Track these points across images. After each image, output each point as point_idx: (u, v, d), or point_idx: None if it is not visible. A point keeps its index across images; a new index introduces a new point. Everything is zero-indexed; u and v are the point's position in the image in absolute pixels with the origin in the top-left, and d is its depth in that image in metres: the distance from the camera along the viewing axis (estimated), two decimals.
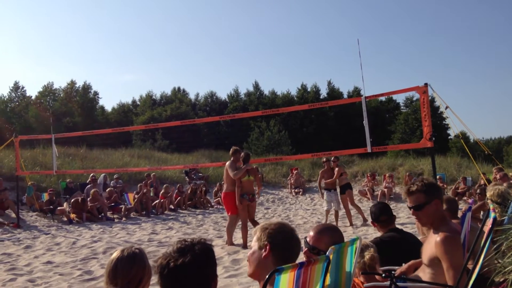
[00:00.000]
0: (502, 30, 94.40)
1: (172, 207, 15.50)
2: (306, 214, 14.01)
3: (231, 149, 8.75)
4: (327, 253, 2.41)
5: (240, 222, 8.75)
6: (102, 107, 52.05)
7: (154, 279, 2.02)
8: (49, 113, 40.08)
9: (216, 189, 17.57)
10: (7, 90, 57.81)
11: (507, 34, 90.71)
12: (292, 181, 20.21)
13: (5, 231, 11.10)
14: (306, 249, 2.69)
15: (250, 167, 8.63)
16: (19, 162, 11.77)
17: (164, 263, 1.83)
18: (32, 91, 56.58)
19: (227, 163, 8.63)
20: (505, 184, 6.27)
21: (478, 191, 10.82)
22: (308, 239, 2.70)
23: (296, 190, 19.67)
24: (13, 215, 12.48)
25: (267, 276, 2.00)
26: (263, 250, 2.25)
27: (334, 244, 2.64)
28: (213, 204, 16.70)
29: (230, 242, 8.59)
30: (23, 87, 46.46)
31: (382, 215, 4.18)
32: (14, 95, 45.40)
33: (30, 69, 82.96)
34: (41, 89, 48.51)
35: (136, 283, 2.35)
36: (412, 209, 3.06)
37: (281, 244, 2.25)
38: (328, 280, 2.34)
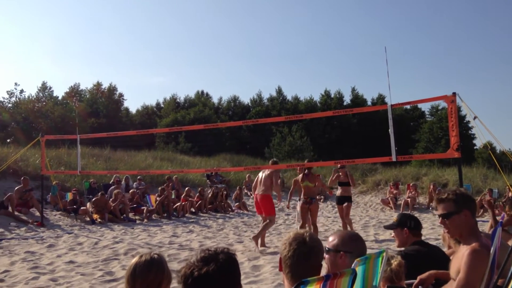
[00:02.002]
0: None
1: (193, 210, 15.56)
2: (327, 221, 13.89)
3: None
4: (353, 265, 2.37)
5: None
6: (127, 109, 52.75)
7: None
8: (75, 113, 40.76)
9: (236, 193, 17.56)
10: (35, 89, 59.02)
11: None
12: None
13: (29, 229, 11.30)
14: (327, 255, 2.66)
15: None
16: (44, 161, 11.97)
17: (188, 272, 1.81)
18: (59, 91, 57.45)
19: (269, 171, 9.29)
20: None
21: (504, 203, 10.56)
22: (328, 246, 2.67)
23: (317, 197, 19.50)
24: (37, 213, 12.71)
25: None
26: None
27: (359, 252, 2.59)
28: (233, 208, 16.70)
29: (262, 243, 8.95)
30: (50, 87, 47.30)
31: (419, 225, 4.06)
32: (41, 94, 46.25)
33: (59, 69, 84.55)
34: (68, 90, 49.47)
35: None
36: (440, 217, 2.98)
37: None
38: None
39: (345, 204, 10.69)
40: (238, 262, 1.91)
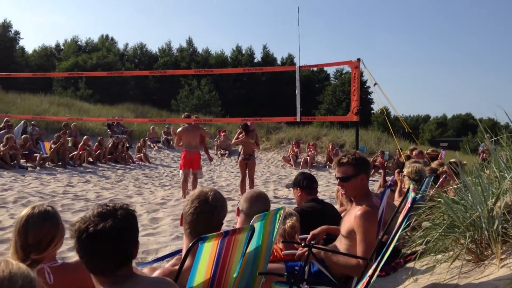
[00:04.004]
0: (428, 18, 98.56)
1: (91, 160, 14.92)
2: (230, 176, 14.09)
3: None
4: (251, 222, 2.40)
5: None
6: (23, 48, 48.44)
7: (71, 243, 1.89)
8: None
9: (139, 144, 17.09)
10: None
11: (431, 21, 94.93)
12: (218, 143, 20.19)
13: None
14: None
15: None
16: None
17: (82, 227, 1.70)
18: None
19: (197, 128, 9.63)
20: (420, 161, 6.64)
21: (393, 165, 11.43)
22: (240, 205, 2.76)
23: (222, 152, 19.69)
24: None
25: (190, 245, 1.94)
26: None
27: (262, 211, 2.64)
28: (135, 160, 16.28)
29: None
30: None
31: (314, 183, 4.25)
32: None
33: None
34: None
35: (48, 242, 2.27)
36: (339, 180, 3.12)
37: None
38: (249, 248, 2.34)
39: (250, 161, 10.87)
40: (137, 219, 1.83)
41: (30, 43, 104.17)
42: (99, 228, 1.68)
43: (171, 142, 19.78)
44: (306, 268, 3.01)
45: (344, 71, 47.26)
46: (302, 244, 3.06)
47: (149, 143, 19.16)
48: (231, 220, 5.93)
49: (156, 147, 19.44)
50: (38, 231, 2.24)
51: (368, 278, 2.27)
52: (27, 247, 2.22)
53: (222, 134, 20.49)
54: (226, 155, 19.40)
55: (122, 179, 12.23)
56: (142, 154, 16.51)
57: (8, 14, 74.55)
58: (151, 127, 20.41)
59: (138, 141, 17.94)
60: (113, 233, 1.69)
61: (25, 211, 2.32)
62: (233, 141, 10.12)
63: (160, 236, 5.92)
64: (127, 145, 16.75)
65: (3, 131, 14.23)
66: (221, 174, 14.55)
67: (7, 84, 23.37)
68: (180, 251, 4.14)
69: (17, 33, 46.82)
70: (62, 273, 2.27)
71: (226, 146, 19.96)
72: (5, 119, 14.97)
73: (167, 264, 2.78)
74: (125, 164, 15.54)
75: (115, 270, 1.73)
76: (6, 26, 45.53)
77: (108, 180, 11.78)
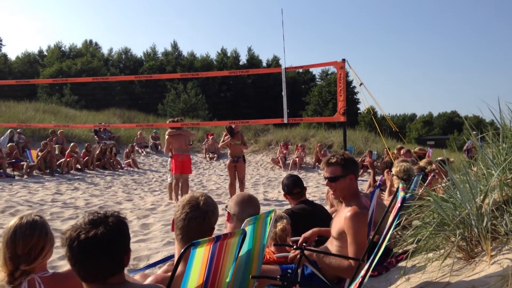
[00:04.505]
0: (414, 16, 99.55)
1: (79, 167, 14.78)
2: (219, 179, 14.06)
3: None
4: (243, 225, 2.40)
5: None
6: (5, 55, 47.91)
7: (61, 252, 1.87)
8: None
9: (127, 150, 16.98)
10: None
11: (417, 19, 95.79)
12: (207, 146, 20.15)
13: None
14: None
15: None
16: None
17: (74, 235, 1.70)
18: None
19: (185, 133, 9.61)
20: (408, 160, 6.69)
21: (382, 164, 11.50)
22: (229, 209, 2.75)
23: (210, 156, 19.65)
24: None
25: (182, 250, 1.94)
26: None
27: (253, 215, 2.64)
28: (123, 165, 16.16)
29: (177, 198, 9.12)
30: None
31: (295, 188, 4.25)
32: None
33: None
34: None
35: (37, 252, 2.25)
36: (327, 180, 3.13)
37: None
38: (241, 252, 2.34)
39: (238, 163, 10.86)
40: (128, 226, 1.83)
41: (12, 49, 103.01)
42: (91, 236, 1.68)
43: (159, 147, 19.69)
44: (299, 271, 3.01)
45: (329, 72, 47.57)
46: (294, 247, 3.07)
47: (137, 148, 19.06)
48: (222, 224, 5.91)
49: (144, 152, 19.33)
50: (27, 241, 2.21)
51: (360, 278, 2.27)
52: (16, 258, 2.20)
53: (210, 138, 20.45)
54: (214, 159, 19.37)
55: (111, 185, 12.14)
56: (130, 160, 16.40)
57: None
58: (139, 132, 20.30)
59: (126, 146, 17.82)
60: (105, 240, 1.70)
61: (12, 222, 2.29)
62: (220, 144, 10.11)
63: (151, 242, 5.88)
64: (115, 151, 16.63)
65: None
66: (211, 178, 14.51)
67: None
68: (171, 257, 4.13)
69: None
70: (53, 283, 2.26)
71: (215, 150, 19.92)
72: None
73: (159, 271, 2.77)
74: (113, 170, 15.42)
75: (107, 278, 1.73)
76: None
77: (97, 187, 11.68)
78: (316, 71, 51.98)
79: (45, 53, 49.47)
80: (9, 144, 14.17)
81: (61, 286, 2.26)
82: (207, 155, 19.75)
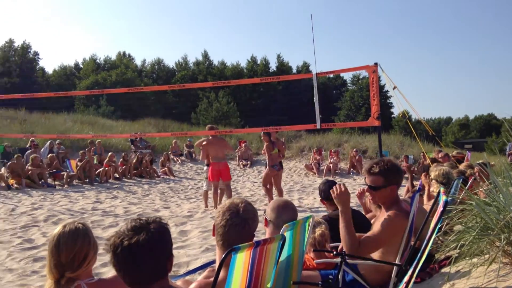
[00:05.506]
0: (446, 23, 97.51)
1: (117, 176, 15.13)
2: (253, 186, 14.09)
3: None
4: (281, 231, 2.40)
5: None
6: (43, 69, 49.66)
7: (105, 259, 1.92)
8: None
9: (163, 158, 17.26)
10: None
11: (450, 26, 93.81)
12: (240, 154, 20.25)
13: None
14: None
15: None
16: None
17: (117, 241, 1.75)
18: None
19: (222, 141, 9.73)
20: (445, 164, 6.55)
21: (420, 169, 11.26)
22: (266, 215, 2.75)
23: (244, 163, 19.74)
24: None
25: (223, 256, 1.96)
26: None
27: (290, 220, 2.64)
28: (159, 174, 16.44)
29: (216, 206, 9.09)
30: None
31: (330, 194, 4.22)
32: None
33: None
34: None
35: (81, 259, 2.29)
36: (368, 187, 3.09)
37: None
38: (281, 257, 2.35)
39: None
40: (170, 232, 1.87)
41: (49, 63, 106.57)
42: (133, 242, 1.73)
43: (194, 155, 19.92)
44: (340, 276, 2.99)
45: (361, 76, 47.07)
46: (334, 253, 3.04)
47: (172, 156, 19.33)
48: (259, 231, 5.92)
49: (179, 161, 19.58)
50: (70, 249, 2.26)
51: (404, 284, 2.25)
52: (61, 266, 2.25)
53: (243, 145, 20.54)
54: (248, 166, 19.44)
55: (149, 193, 12.35)
56: (166, 168, 16.65)
57: (26, 36, 76.53)
58: (173, 141, 20.58)
59: (161, 155, 18.11)
60: (147, 246, 1.73)
61: (56, 230, 2.34)
62: (267, 156, 9.90)
63: (190, 249, 5.95)
64: (151, 159, 16.92)
65: (29, 151, 14.56)
66: (245, 185, 14.56)
67: (31, 105, 23.90)
68: (211, 263, 4.17)
69: (36, 53, 48.06)
70: None
71: (248, 157, 20.02)
72: (31, 139, 15.31)
73: (199, 277, 2.80)
74: (150, 178, 15.71)
75: (152, 283, 1.77)
76: (26, 47, 46.74)
77: (135, 195, 11.91)
78: (347, 76, 51.59)
79: (81, 65, 50.92)
80: (49, 155, 14.64)
81: None
82: (241, 162, 19.84)
